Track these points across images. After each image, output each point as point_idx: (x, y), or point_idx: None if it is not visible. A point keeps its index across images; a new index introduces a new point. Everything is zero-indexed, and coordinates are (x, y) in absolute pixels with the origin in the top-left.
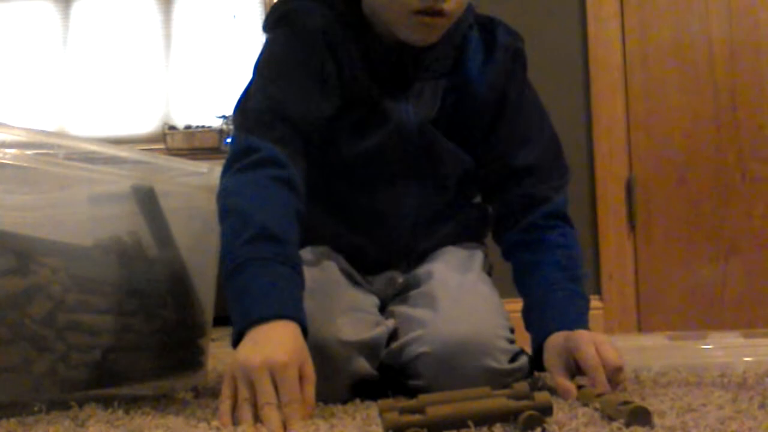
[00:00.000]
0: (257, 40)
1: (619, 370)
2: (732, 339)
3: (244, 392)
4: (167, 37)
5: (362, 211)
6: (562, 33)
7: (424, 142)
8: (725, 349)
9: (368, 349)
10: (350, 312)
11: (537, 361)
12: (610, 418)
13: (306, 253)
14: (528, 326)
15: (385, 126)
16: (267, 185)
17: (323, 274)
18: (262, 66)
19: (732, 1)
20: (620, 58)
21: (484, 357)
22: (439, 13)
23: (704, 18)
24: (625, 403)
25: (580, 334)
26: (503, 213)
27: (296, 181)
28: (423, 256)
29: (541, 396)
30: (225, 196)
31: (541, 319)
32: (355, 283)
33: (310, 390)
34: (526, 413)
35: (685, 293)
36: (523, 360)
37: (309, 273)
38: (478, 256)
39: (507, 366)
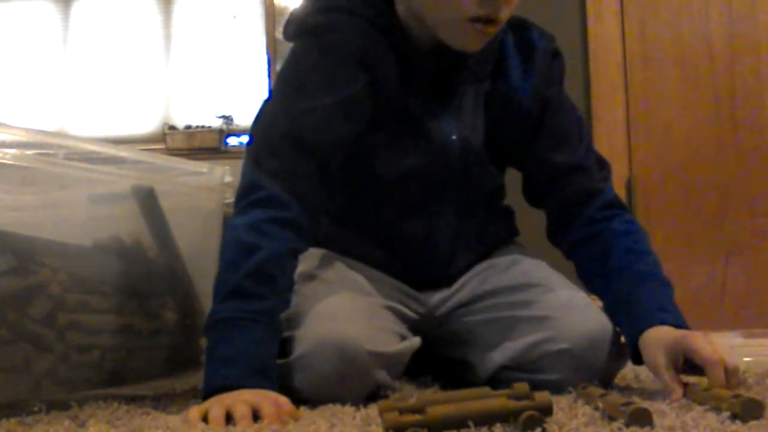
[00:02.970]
0: (257, 40)
1: (736, 369)
2: (732, 339)
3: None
4: (167, 37)
5: (396, 236)
6: (562, 32)
7: (465, 162)
8: (725, 349)
9: (392, 362)
10: (377, 322)
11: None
12: (611, 418)
13: (335, 260)
14: (614, 320)
15: (425, 145)
16: (262, 229)
17: (349, 281)
18: (282, 81)
19: (732, 1)
20: (620, 58)
21: (608, 349)
22: (493, 21)
23: (704, 18)
24: (627, 403)
25: (692, 334)
26: (557, 214)
27: (297, 220)
28: (461, 271)
29: (541, 396)
30: (226, 238)
31: (631, 313)
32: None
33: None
34: (526, 413)
35: (685, 293)
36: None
37: (335, 275)
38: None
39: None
